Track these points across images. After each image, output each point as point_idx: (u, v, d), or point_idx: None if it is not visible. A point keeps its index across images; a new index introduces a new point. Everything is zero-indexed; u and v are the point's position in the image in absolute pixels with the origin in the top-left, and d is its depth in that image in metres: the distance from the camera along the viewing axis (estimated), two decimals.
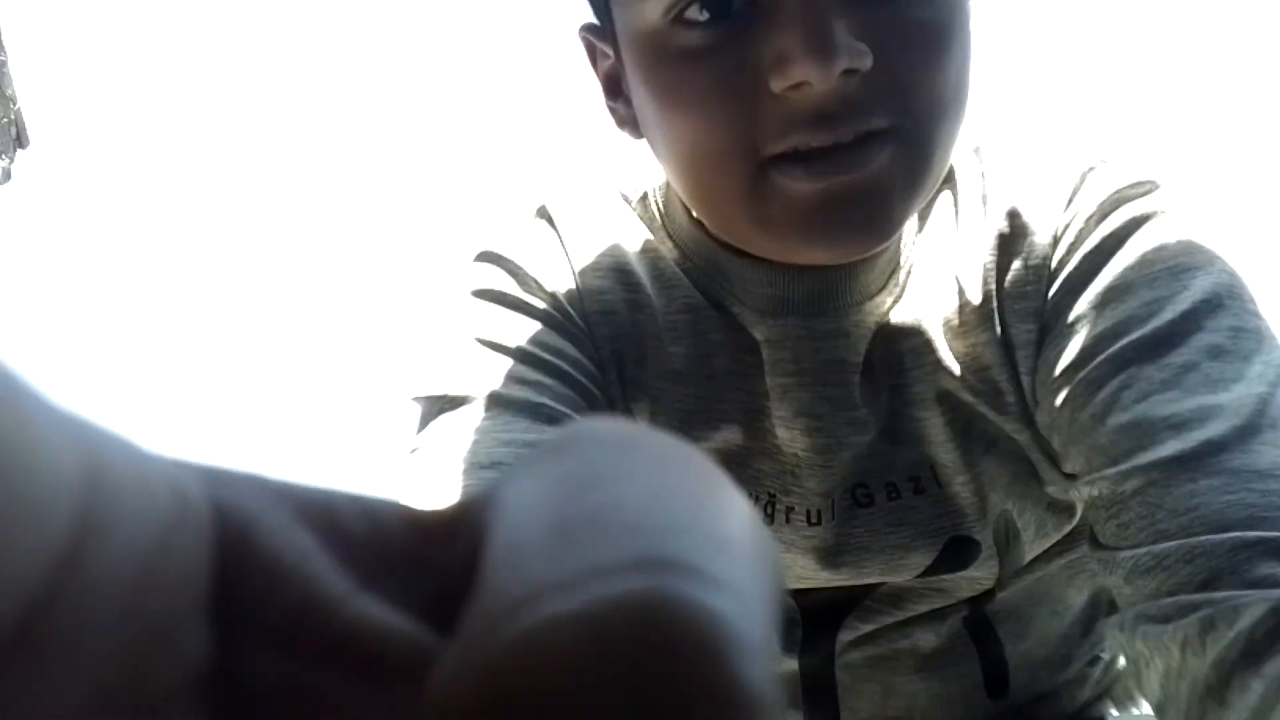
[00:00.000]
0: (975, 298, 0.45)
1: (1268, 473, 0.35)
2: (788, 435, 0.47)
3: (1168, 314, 0.40)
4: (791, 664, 0.51)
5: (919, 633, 0.50)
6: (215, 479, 0.10)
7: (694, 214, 0.47)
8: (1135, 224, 0.43)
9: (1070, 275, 0.43)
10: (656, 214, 0.50)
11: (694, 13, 0.38)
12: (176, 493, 0.09)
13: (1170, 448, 0.37)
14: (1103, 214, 0.43)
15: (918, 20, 0.37)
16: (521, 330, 0.46)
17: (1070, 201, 0.45)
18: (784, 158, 0.39)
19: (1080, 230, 0.44)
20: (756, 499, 0.47)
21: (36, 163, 4.88)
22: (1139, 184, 0.44)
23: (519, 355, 0.45)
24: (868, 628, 0.50)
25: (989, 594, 0.50)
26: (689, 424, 0.47)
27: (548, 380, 0.44)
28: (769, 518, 0.47)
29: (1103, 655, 0.56)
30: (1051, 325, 0.43)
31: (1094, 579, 0.52)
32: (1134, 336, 0.40)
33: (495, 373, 0.45)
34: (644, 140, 0.46)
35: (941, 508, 0.46)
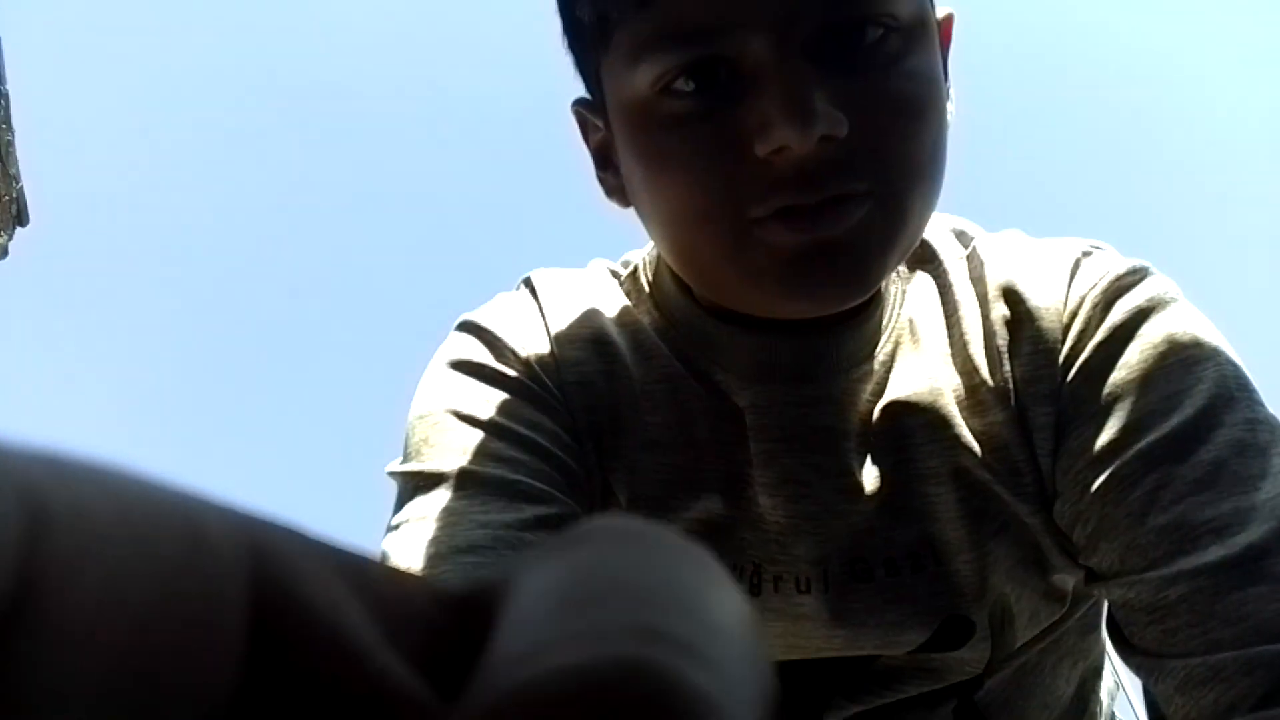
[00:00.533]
0: (989, 377, 0.46)
1: None
2: (770, 503, 0.46)
3: (1188, 409, 0.41)
4: None
5: (907, 716, 0.48)
6: (249, 521, 0.10)
7: (682, 279, 0.48)
8: (1141, 315, 0.44)
9: (1085, 364, 0.44)
10: (644, 284, 0.51)
11: (681, 84, 0.40)
12: (188, 533, 0.09)
13: (1214, 553, 0.37)
14: (1107, 303, 0.45)
15: (894, 92, 0.40)
16: (496, 403, 0.46)
17: (1070, 286, 0.46)
18: (768, 217, 0.40)
19: (1088, 318, 0.45)
20: (741, 569, 0.46)
21: (35, 241, 4.59)
22: (1134, 271, 0.46)
23: (493, 429, 0.45)
24: (854, 709, 0.48)
25: (977, 682, 0.48)
26: (669, 493, 0.47)
27: (523, 456, 0.44)
28: (755, 588, 0.46)
29: None
30: (1070, 413, 0.44)
31: (1076, 666, 0.51)
32: (1160, 433, 0.41)
33: (468, 448, 0.44)
34: (631, 209, 0.47)
35: (940, 585, 0.45)
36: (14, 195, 5.17)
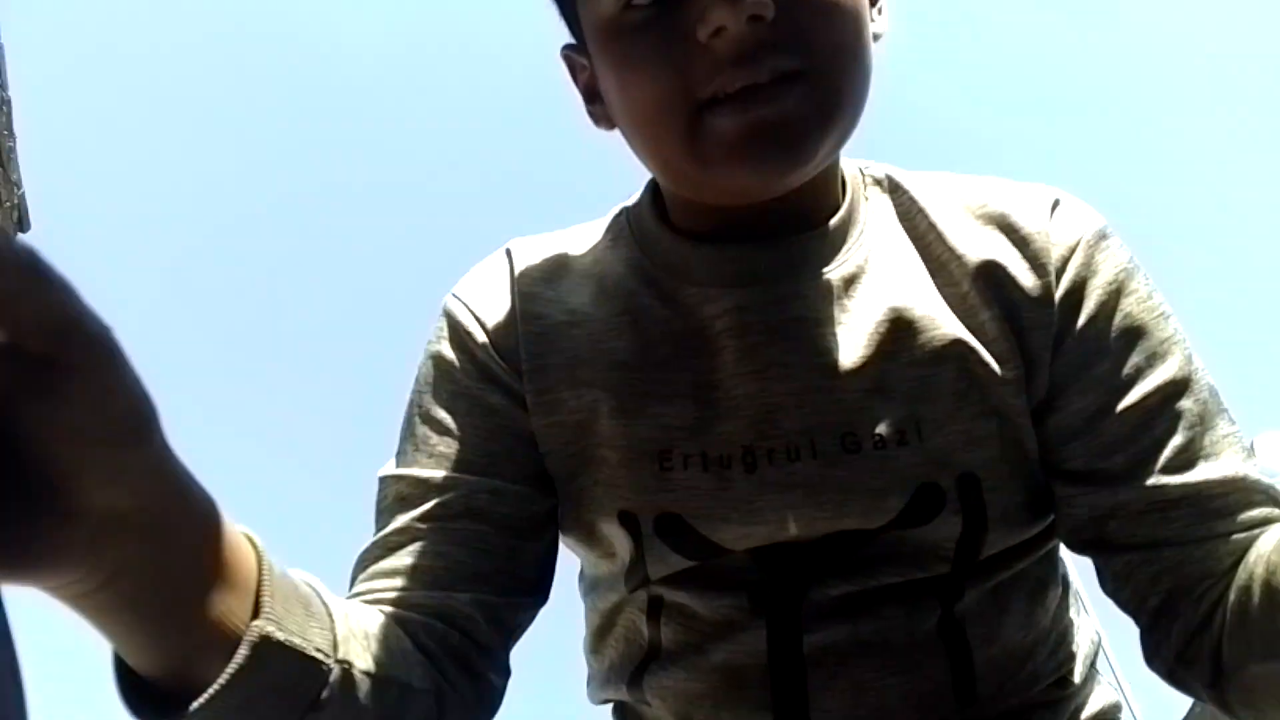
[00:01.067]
0: (974, 284, 0.53)
1: None
2: (755, 388, 0.52)
3: (1178, 355, 0.52)
4: (758, 645, 0.52)
5: (889, 616, 0.52)
6: None
7: (659, 214, 0.57)
8: (1127, 273, 0.53)
9: (1085, 301, 0.52)
10: (626, 225, 0.59)
11: (635, 0, 0.47)
12: None
13: (1203, 472, 0.49)
14: (1095, 249, 0.53)
15: None
16: (449, 397, 0.55)
17: (1053, 223, 0.54)
18: (714, 102, 0.47)
19: (1084, 260, 0.53)
20: (729, 457, 0.52)
21: (37, 246, 4.62)
22: (1105, 225, 0.55)
23: (442, 428, 0.54)
24: (835, 590, 0.52)
25: (957, 591, 0.52)
26: (641, 405, 0.53)
27: (458, 440, 0.54)
28: (751, 466, 0.51)
29: (1072, 679, 0.56)
30: (1071, 339, 0.52)
31: (1050, 598, 0.56)
32: (1166, 373, 0.51)
33: (419, 449, 0.55)
34: (618, 132, 0.54)
35: (921, 458, 0.51)
36: (15, 201, 5.21)
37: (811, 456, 0.52)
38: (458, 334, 0.58)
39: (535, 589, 0.56)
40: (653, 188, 0.59)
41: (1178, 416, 0.51)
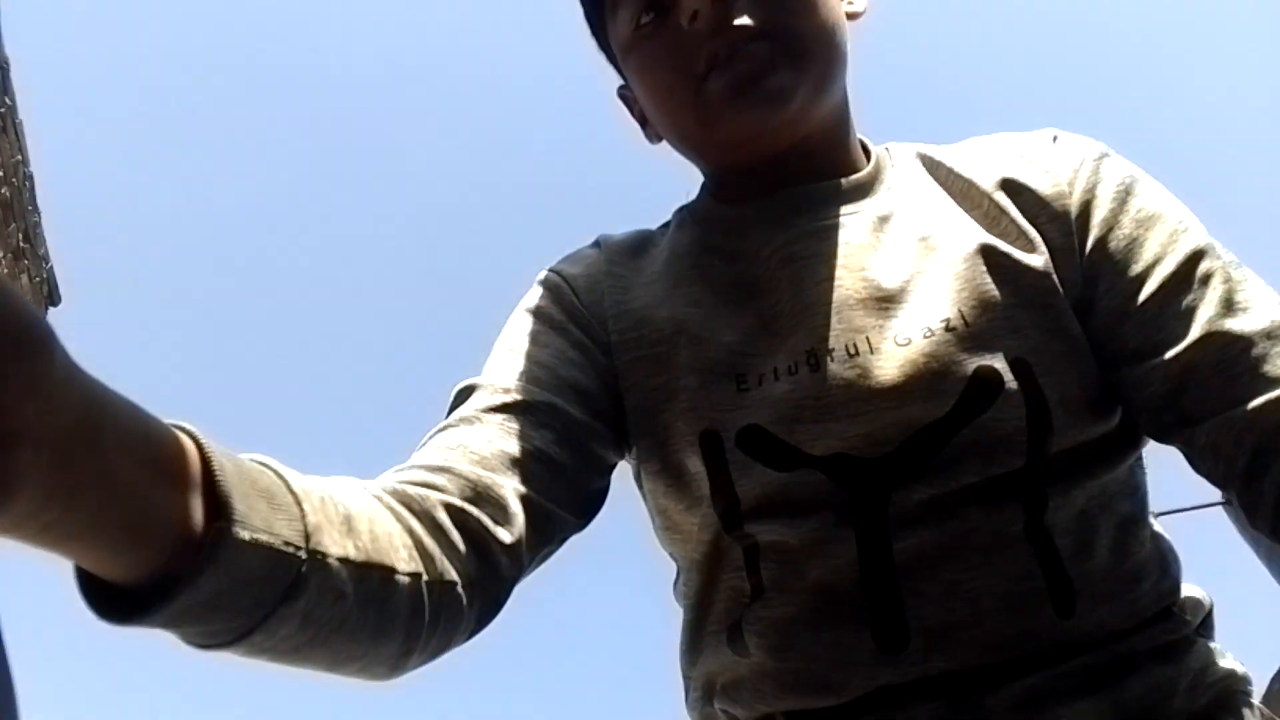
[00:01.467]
0: (1000, 196, 0.60)
1: None
2: (813, 298, 0.59)
3: (1196, 229, 0.57)
4: (850, 558, 0.54)
5: (973, 519, 0.53)
6: None
7: (708, 192, 0.68)
8: (1133, 178, 0.60)
9: (1107, 198, 0.59)
10: (687, 214, 0.69)
11: (645, 18, 0.61)
12: None
13: (1240, 324, 0.53)
14: (1098, 166, 0.60)
15: None
16: (528, 332, 0.62)
17: (1058, 154, 0.62)
18: (708, 73, 0.58)
19: (1090, 176, 0.60)
20: (795, 364, 0.57)
21: (67, 321, 4.71)
22: (1102, 147, 0.62)
23: (513, 350, 0.61)
24: (918, 494, 0.54)
25: (1039, 495, 0.54)
26: (717, 334, 0.60)
27: (534, 361, 0.59)
28: (816, 365, 0.57)
29: (1182, 630, 0.56)
30: (1095, 242, 0.58)
31: (1144, 531, 0.57)
32: (1191, 244, 0.56)
33: (493, 367, 0.60)
34: (665, 143, 0.67)
35: (970, 344, 0.55)
36: (44, 275, 5.26)
37: (869, 352, 0.57)
38: (549, 287, 0.65)
39: (575, 509, 0.57)
40: (703, 185, 0.70)
41: (1211, 275, 0.55)
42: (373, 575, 0.41)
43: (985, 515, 0.54)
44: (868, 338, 0.57)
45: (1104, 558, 0.55)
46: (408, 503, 0.47)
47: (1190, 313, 0.54)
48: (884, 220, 0.62)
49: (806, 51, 0.59)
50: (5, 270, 4.21)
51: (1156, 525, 0.60)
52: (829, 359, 0.57)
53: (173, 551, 0.33)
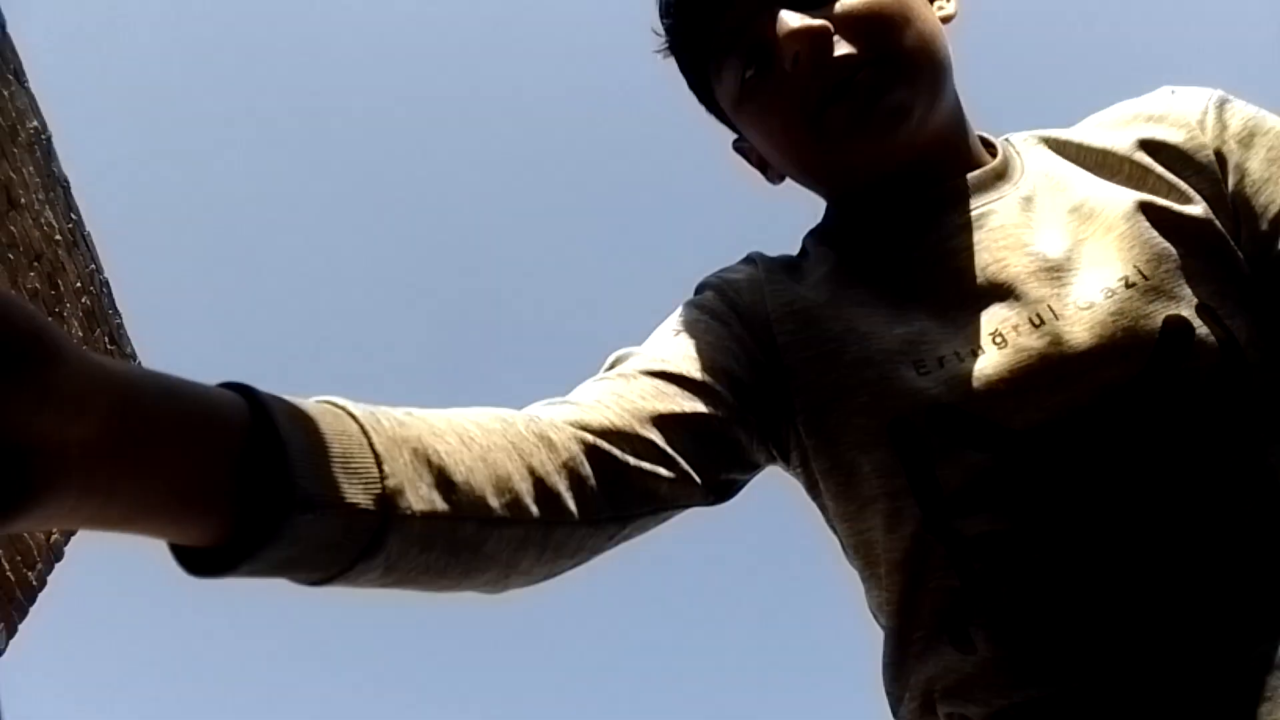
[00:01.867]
0: (1140, 156, 0.62)
1: None
2: (984, 283, 0.59)
3: None
4: (1078, 531, 0.53)
5: (1196, 471, 0.52)
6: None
7: (843, 217, 0.70)
8: (1257, 119, 0.62)
9: (1237, 142, 0.60)
10: (816, 234, 0.72)
11: (749, 73, 0.63)
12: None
13: None
14: (1220, 111, 0.62)
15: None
16: (689, 316, 0.64)
17: (1177, 103, 0.64)
18: (821, 107, 0.60)
19: (1214, 122, 0.62)
20: (978, 349, 0.57)
21: None
22: (1223, 94, 0.64)
23: (672, 333, 0.62)
24: (1135, 457, 0.53)
25: (1259, 443, 0.53)
26: (888, 326, 0.60)
27: (693, 342, 0.60)
28: (1000, 345, 0.56)
29: None
30: (1236, 186, 0.59)
31: None
32: None
33: (650, 345, 0.62)
34: (788, 181, 0.71)
35: (1153, 295, 0.55)
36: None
37: (1054, 319, 0.56)
38: (710, 287, 0.67)
39: (709, 483, 0.57)
40: (828, 211, 0.72)
41: None
42: (466, 525, 0.41)
43: (1207, 466, 0.52)
44: (1049, 305, 0.57)
45: None
46: (546, 439, 0.47)
47: None
48: (1029, 200, 0.63)
49: (912, 66, 0.61)
50: None
51: None
52: (1015, 333, 0.57)
53: (237, 522, 0.34)
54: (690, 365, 0.58)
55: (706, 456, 0.56)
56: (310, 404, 0.38)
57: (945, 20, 0.66)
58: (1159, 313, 0.55)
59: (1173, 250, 0.57)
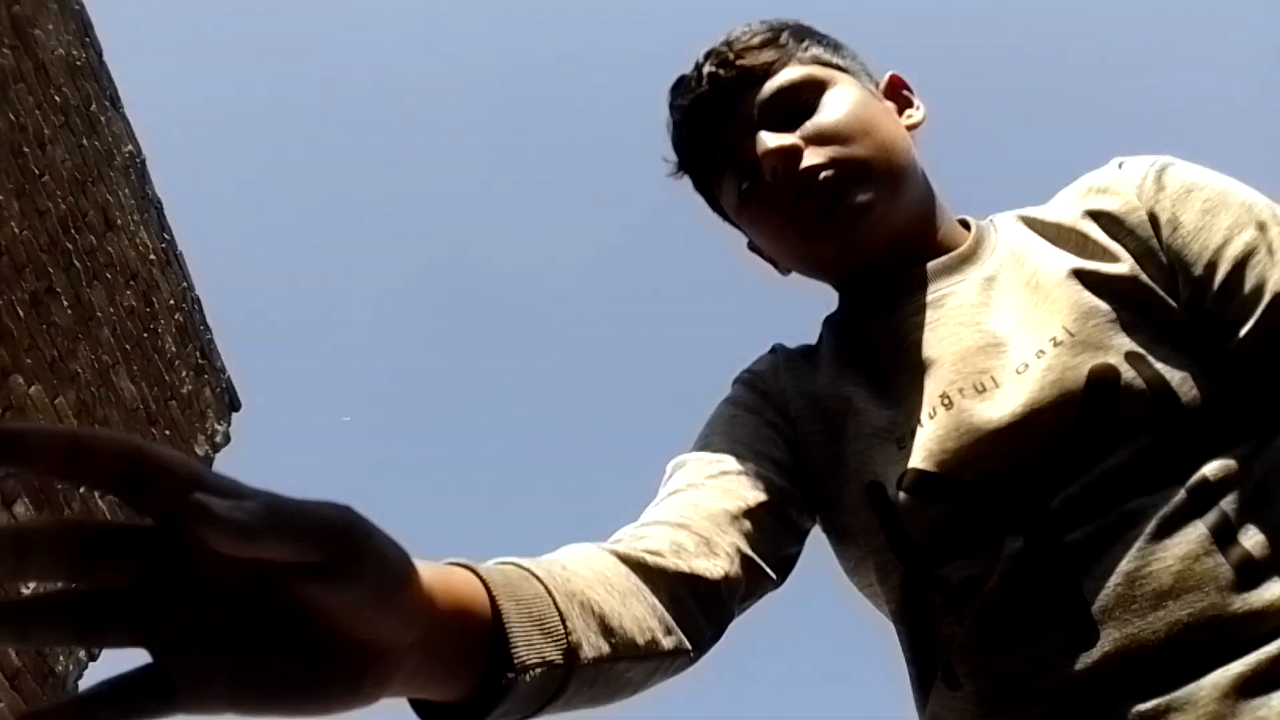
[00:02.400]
0: (1084, 224, 0.68)
1: None
2: (941, 352, 0.66)
3: (1260, 208, 0.62)
4: (1025, 564, 0.57)
5: (1134, 504, 0.56)
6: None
7: (840, 306, 0.78)
8: (1194, 180, 0.66)
9: (1171, 200, 0.65)
10: (832, 324, 0.78)
11: (744, 185, 0.74)
12: None
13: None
14: (1159, 175, 0.67)
15: (822, 112, 0.72)
16: (726, 416, 0.72)
17: (1122, 174, 0.69)
18: (799, 208, 0.70)
19: (1151, 185, 0.67)
20: (934, 411, 0.64)
21: (248, 422, 5.24)
22: (1166, 161, 0.68)
23: (717, 427, 0.71)
24: (1075, 495, 0.57)
25: (1196, 476, 0.56)
26: (877, 407, 0.68)
27: (735, 434, 0.69)
28: (948, 406, 0.63)
29: None
30: (1169, 244, 0.64)
31: None
32: (1252, 222, 0.61)
33: (700, 442, 0.70)
34: (794, 274, 0.80)
35: (1081, 348, 0.60)
36: (224, 386, 5.63)
37: (995, 386, 0.63)
38: (741, 383, 0.76)
39: (777, 567, 0.63)
40: (840, 296, 0.79)
41: (1274, 244, 0.60)
42: (620, 664, 0.49)
43: (1145, 499, 0.56)
44: (992, 375, 0.63)
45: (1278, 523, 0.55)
46: (655, 578, 0.54)
47: (1261, 283, 0.59)
48: (990, 280, 0.70)
49: (869, 169, 0.70)
50: (190, 387, 4.54)
51: None
52: (960, 396, 0.63)
53: (475, 686, 0.42)
54: (741, 460, 0.66)
55: (773, 541, 0.64)
56: (508, 570, 0.46)
57: (914, 126, 0.78)
58: (1085, 364, 0.60)
59: (1102, 306, 0.62)
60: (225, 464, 4.70)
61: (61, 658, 3.29)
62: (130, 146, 4.11)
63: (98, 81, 3.88)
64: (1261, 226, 0.62)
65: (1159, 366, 0.59)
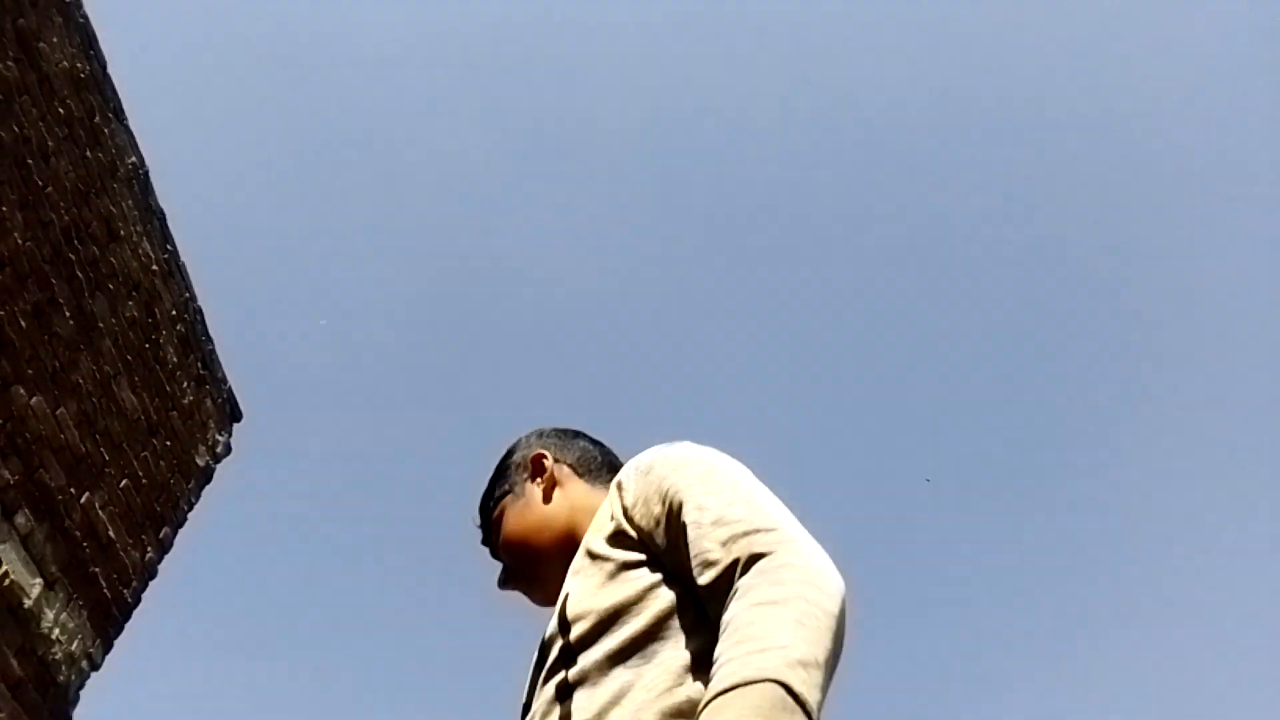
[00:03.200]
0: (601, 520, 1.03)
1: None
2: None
3: (693, 485, 0.93)
4: None
5: (545, 693, 0.94)
6: None
7: None
8: (649, 464, 0.99)
9: (627, 492, 0.99)
10: None
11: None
12: None
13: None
14: (633, 467, 1.02)
15: (501, 526, 1.17)
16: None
17: (627, 467, 1.03)
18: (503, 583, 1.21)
19: (625, 477, 1.01)
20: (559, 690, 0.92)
21: (249, 432, 5.25)
22: (655, 454, 1.02)
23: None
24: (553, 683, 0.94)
25: (569, 675, 0.91)
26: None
27: None
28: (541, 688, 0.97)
29: None
30: (634, 519, 0.96)
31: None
32: (690, 504, 0.91)
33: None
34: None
35: (565, 603, 0.98)
36: (225, 396, 5.62)
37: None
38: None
39: None
40: None
41: (686, 503, 0.92)
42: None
43: (552, 688, 0.92)
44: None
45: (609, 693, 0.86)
46: None
47: (681, 534, 0.90)
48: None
49: (516, 555, 1.14)
50: (191, 397, 4.54)
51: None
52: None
53: None
54: None
55: None
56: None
57: (550, 488, 1.16)
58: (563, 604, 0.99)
59: (580, 580, 1.01)
60: (226, 475, 4.69)
61: (64, 668, 3.29)
62: (133, 158, 4.12)
63: (101, 94, 3.90)
64: (686, 489, 0.95)
65: (568, 603, 0.98)
